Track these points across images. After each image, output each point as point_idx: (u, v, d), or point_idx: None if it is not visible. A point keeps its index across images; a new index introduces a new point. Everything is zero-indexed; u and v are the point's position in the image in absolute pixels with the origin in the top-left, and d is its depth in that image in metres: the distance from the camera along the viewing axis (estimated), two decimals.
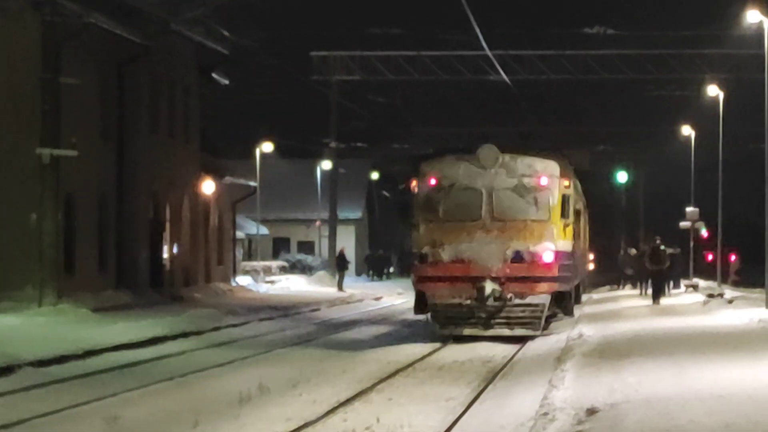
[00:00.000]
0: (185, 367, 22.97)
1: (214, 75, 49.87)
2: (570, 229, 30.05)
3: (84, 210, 36.92)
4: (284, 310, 40.11)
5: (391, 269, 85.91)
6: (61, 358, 22.90)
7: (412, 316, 32.57)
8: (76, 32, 34.66)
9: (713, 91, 53.87)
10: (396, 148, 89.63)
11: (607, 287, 62.66)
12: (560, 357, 22.30)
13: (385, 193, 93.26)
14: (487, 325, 28.89)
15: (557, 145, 65.05)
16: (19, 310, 31.13)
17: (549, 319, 30.71)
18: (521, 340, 28.26)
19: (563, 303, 30.76)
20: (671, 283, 48.59)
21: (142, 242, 41.22)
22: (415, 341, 28.73)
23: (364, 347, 28.23)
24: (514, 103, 77.85)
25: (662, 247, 41.79)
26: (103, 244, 38.35)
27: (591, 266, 57.52)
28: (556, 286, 29.49)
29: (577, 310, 35.24)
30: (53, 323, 28.84)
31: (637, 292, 50.51)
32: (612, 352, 21.67)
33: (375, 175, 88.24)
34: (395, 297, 54.68)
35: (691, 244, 60.59)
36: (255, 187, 58.29)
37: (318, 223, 76.11)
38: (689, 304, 39.29)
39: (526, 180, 29.36)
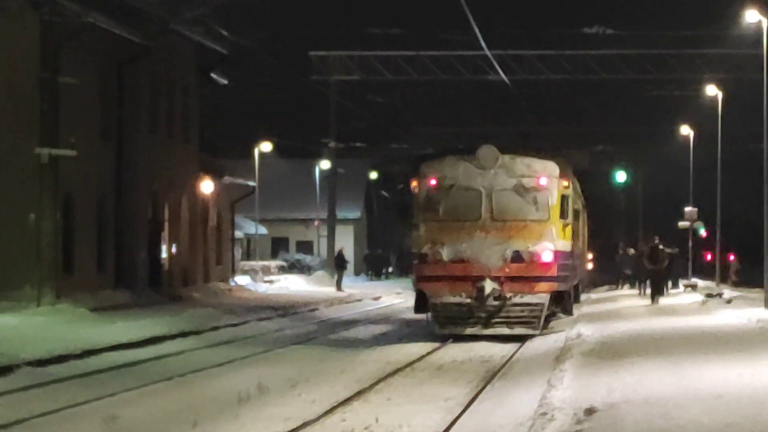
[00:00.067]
0: (184, 366, 22.95)
1: (213, 75, 49.84)
2: (569, 229, 30.15)
3: (83, 210, 36.90)
4: (283, 309, 40.05)
5: (390, 269, 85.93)
6: (60, 358, 22.83)
7: (410, 315, 32.60)
8: (76, 32, 34.61)
9: (712, 90, 53.93)
10: (395, 148, 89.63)
11: (606, 287, 62.64)
12: (559, 357, 22.28)
13: (384, 193, 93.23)
14: (487, 325, 29.02)
15: (557, 145, 65.17)
16: (18, 309, 31.10)
17: (548, 319, 30.79)
18: (520, 339, 28.29)
19: (562, 302, 30.97)
20: (670, 283, 48.61)
21: (140, 242, 41.20)
22: (414, 341, 28.74)
23: (363, 347, 28.24)
24: (513, 103, 77.91)
25: (661, 247, 41.80)
26: (101, 243, 38.34)
27: (590, 266, 57.53)
28: (555, 286, 29.61)
29: (576, 310, 35.24)
30: (52, 323, 28.81)
31: (635, 291, 50.51)
32: (611, 352, 21.66)
33: (374, 175, 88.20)
34: (394, 297, 54.59)
35: (690, 243, 60.61)
36: (254, 187, 58.30)
37: (317, 222, 76.08)
38: (688, 304, 39.28)
39: (525, 180, 29.46)
